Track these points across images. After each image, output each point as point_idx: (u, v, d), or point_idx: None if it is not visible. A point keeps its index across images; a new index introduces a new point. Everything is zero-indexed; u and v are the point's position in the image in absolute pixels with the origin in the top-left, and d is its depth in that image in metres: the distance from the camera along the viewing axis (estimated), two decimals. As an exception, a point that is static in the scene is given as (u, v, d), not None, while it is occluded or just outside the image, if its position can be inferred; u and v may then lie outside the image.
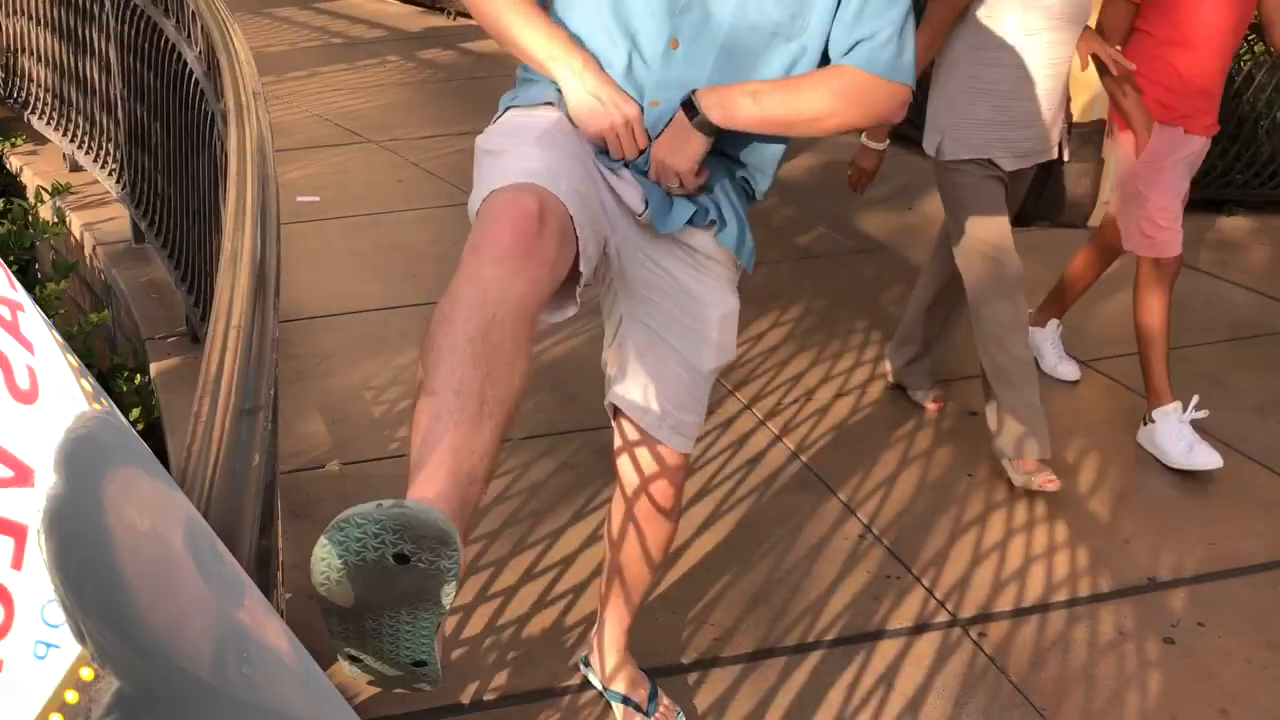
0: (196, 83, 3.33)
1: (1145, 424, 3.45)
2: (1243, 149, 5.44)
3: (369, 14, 9.21)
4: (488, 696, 2.49)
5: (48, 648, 0.71)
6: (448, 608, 1.25)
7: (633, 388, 2.07)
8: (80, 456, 0.74)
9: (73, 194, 4.78)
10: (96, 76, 4.55)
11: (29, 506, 0.72)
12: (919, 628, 2.72)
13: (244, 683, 0.73)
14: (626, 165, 1.95)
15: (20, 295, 0.84)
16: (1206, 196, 5.03)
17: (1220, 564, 2.99)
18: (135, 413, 3.45)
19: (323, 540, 1.22)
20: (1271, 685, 2.60)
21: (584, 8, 1.95)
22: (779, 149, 2.06)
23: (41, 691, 0.71)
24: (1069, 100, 3.28)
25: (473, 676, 2.52)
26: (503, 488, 3.13)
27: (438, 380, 1.47)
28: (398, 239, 4.85)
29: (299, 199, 5.14)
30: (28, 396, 0.76)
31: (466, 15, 7.07)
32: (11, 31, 5.42)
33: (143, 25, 3.89)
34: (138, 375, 3.57)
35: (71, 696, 0.72)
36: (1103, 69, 3.24)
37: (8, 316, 0.80)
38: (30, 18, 5.14)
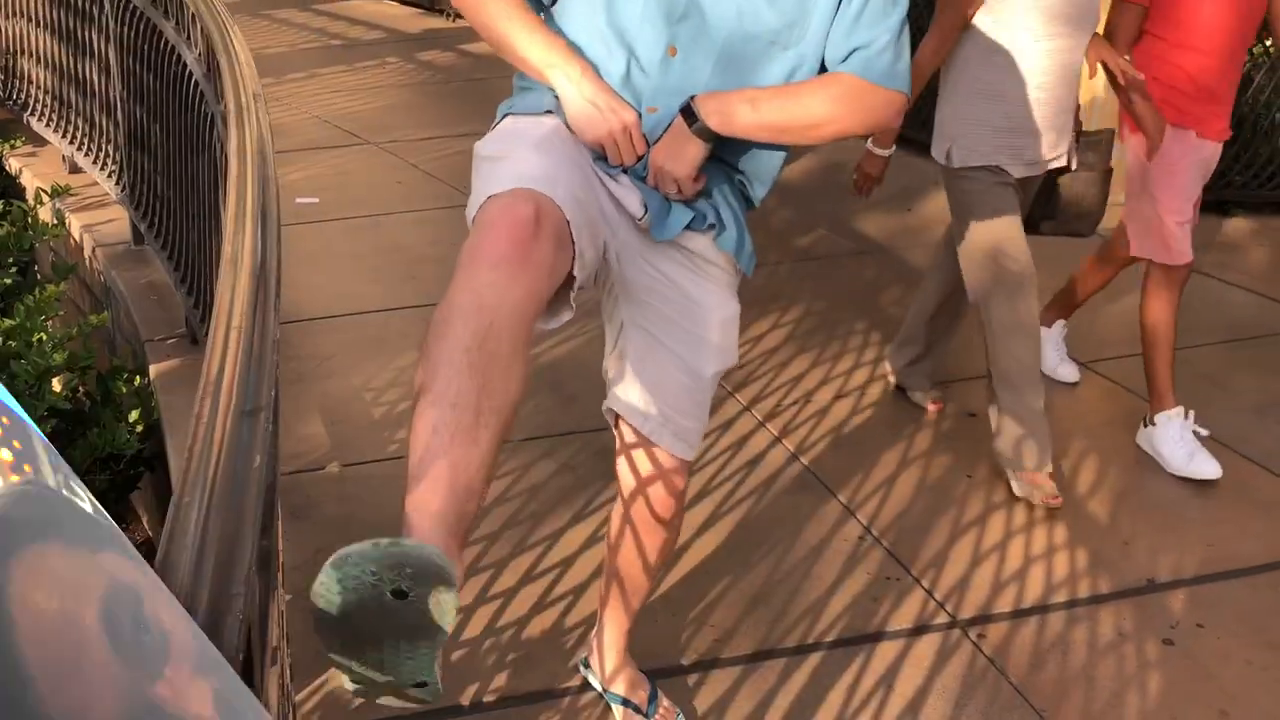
0: (196, 84, 3.33)
1: (1145, 426, 3.45)
2: (1242, 150, 5.43)
3: (368, 16, 9.22)
4: (487, 698, 2.49)
5: None
6: (447, 637, 1.27)
7: (633, 392, 2.07)
8: None
9: (72, 196, 4.78)
10: (96, 78, 4.55)
11: None
12: (919, 629, 2.72)
13: None
14: (625, 171, 1.94)
15: None
16: (1207, 198, 5.01)
17: (1220, 565, 2.99)
18: (135, 414, 3.45)
19: (321, 577, 1.23)
20: (1271, 686, 2.60)
21: (581, 16, 1.95)
22: (779, 158, 2.06)
23: None
24: (1079, 107, 3.26)
25: (472, 678, 2.52)
26: (503, 489, 3.13)
27: (435, 390, 1.48)
28: (397, 240, 4.85)
29: (298, 201, 5.14)
30: None
31: (466, 17, 7.10)
32: (11, 33, 5.42)
33: (142, 27, 3.89)
34: (137, 377, 3.57)
35: None
36: (1112, 76, 3.23)
37: None
38: (30, 19, 5.14)
